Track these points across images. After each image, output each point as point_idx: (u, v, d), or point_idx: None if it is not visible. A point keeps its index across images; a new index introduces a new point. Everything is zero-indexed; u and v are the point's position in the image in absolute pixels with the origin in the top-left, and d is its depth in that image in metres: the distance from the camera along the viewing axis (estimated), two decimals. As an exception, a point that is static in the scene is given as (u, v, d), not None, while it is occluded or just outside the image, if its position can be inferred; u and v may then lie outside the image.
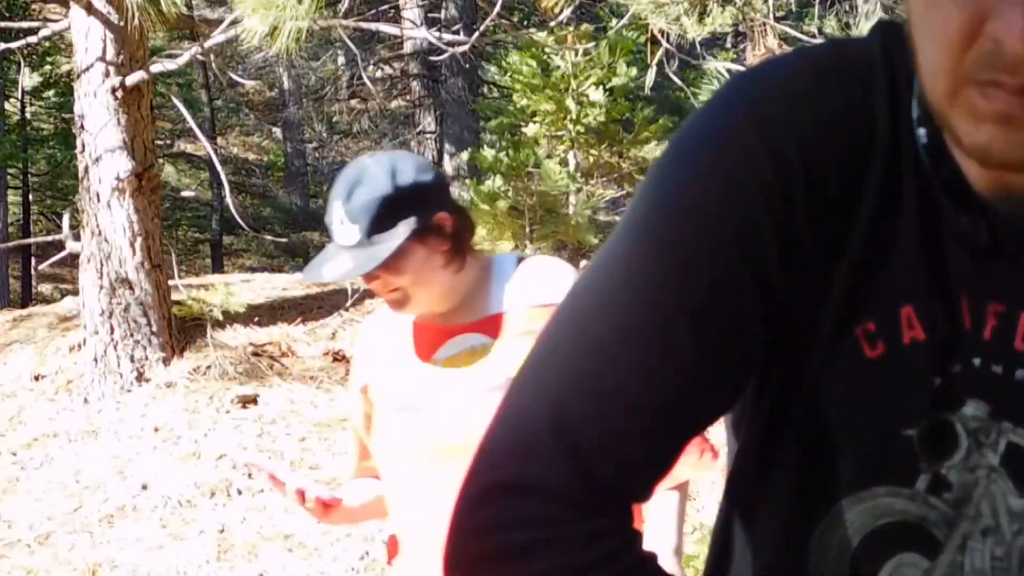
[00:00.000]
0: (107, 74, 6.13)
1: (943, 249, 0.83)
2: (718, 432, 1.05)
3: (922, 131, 0.83)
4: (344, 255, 1.88)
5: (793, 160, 0.82)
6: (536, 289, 1.93)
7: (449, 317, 1.98)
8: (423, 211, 1.89)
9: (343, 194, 1.88)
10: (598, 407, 0.84)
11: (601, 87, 7.11)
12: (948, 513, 0.87)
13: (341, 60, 16.43)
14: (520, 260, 2.00)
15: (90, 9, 6.06)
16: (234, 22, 5.91)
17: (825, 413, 0.88)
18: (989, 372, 0.84)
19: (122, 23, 6.00)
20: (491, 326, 1.95)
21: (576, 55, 7.07)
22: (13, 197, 16.04)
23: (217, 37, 6.39)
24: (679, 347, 0.83)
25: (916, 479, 0.87)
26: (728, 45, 13.27)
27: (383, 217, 1.86)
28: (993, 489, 0.86)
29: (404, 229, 1.86)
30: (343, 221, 1.88)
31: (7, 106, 15.08)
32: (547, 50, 7.19)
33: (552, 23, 6.77)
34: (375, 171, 1.89)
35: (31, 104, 15.88)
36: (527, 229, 7.24)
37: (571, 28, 7.11)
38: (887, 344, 0.85)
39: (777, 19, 6.67)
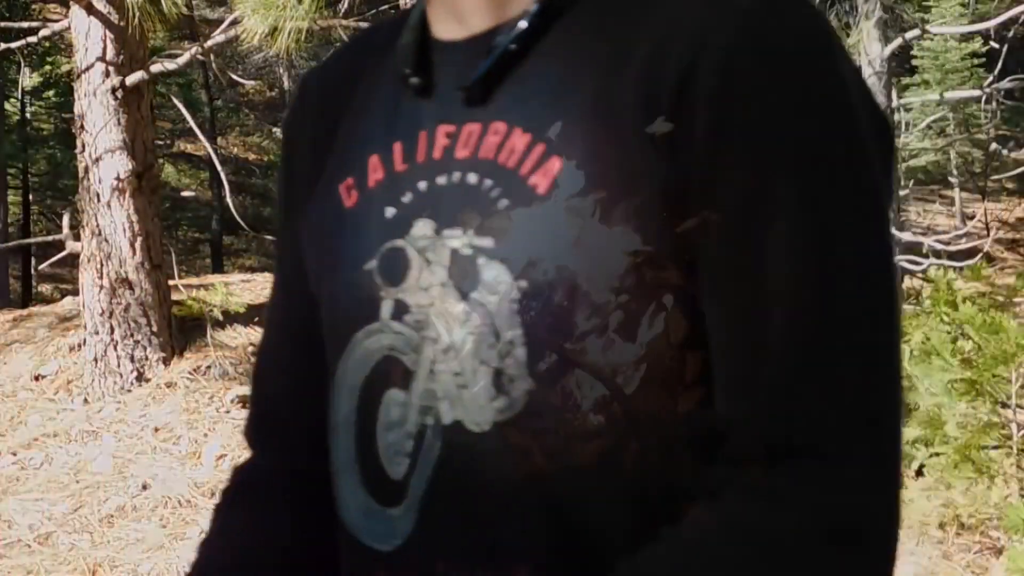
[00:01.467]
0: (107, 74, 6.13)
1: (402, 101, 0.94)
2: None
3: (416, 13, 0.96)
4: None
5: (311, 84, 1.07)
6: None
7: None
8: None
9: None
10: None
11: (601, 87, 7.09)
12: (413, 337, 0.87)
13: (341, 60, 16.42)
14: None
15: (90, 9, 6.06)
16: (234, 22, 5.91)
17: (317, 273, 0.97)
18: (435, 189, 0.89)
19: (122, 23, 6.00)
20: None
21: (576, 55, 7.06)
22: (13, 197, 16.03)
23: (217, 37, 6.39)
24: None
25: (380, 310, 0.89)
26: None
27: None
28: (445, 306, 0.85)
29: None
30: None
31: (7, 106, 15.08)
32: (547, 50, 7.18)
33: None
34: None
35: (31, 104, 15.89)
36: (527, 229, 7.23)
37: (571, 28, 7.09)
38: (360, 192, 0.93)
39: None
